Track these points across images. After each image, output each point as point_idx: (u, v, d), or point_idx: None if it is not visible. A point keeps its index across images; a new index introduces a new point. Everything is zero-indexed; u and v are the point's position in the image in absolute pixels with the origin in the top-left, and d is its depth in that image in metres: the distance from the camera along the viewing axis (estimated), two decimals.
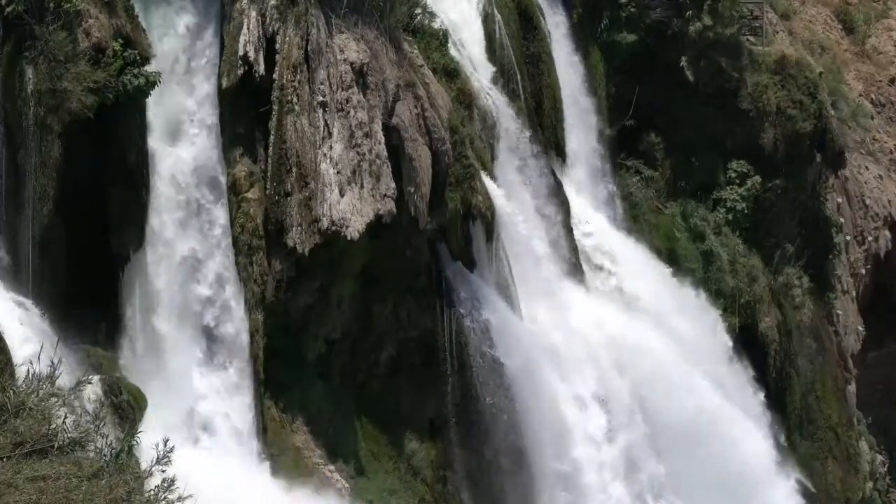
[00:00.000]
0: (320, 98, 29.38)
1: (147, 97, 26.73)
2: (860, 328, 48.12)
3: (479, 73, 35.72)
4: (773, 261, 44.29)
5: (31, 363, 13.81)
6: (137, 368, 27.10)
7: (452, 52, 34.58)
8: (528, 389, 33.13)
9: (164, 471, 12.68)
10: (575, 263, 37.21)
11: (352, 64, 29.92)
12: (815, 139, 44.63)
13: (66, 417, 13.14)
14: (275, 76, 29.14)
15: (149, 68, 26.62)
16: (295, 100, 29.10)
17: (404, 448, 31.91)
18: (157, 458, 12.65)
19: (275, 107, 29.05)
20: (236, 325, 28.75)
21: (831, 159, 45.88)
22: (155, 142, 27.72)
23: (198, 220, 28.68)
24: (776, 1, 48.67)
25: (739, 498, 38.24)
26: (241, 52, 28.74)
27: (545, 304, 35.13)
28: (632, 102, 41.33)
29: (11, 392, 13.02)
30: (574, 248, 37.29)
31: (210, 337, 28.56)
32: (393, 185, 29.99)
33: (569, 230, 37.08)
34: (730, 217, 43.11)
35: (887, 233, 49.73)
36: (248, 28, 28.89)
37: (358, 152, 29.60)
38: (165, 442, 12.85)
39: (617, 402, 35.42)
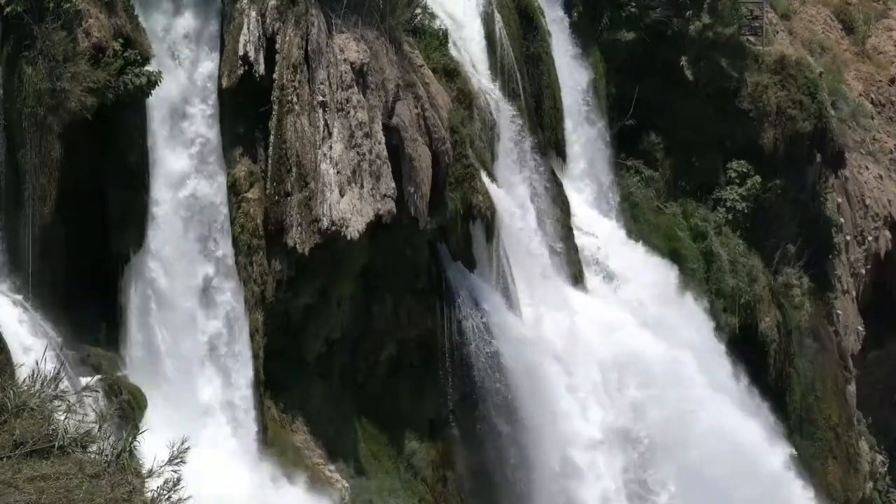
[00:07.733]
0: (320, 98, 29.36)
1: (148, 97, 26.71)
2: (860, 328, 48.12)
3: (479, 73, 35.70)
4: (773, 261, 44.30)
5: (37, 363, 13.80)
6: (137, 368, 27.09)
7: (452, 52, 34.58)
8: (528, 389, 33.12)
9: (175, 470, 12.61)
10: (575, 263, 37.20)
11: (352, 64, 29.90)
12: (815, 139, 44.64)
13: (66, 418, 13.11)
14: (275, 76, 29.12)
15: (149, 68, 26.60)
16: (295, 100, 29.08)
17: (404, 448, 31.91)
18: (171, 457, 12.59)
19: (275, 107, 29.03)
20: (237, 324, 28.72)
21: (831, 159, 45.90)
22: None
23: None
24: (776, 1, 48.68)
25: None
26: (241, 52, 28.71)
27: (545, 304, 35.11)
28: (632, 102, 41.32)
29: (12, 392, 13.00)
30: (574, 248, 37.28)
31: (210, 336, 28.53)
32: (393, 185, 29.98)
33: (569, 230, 37.08)
34: (730, 217, 43.11)
35: (887, 233, 49.75)
36: (248, 28, 28.86)
37: (358, 152, 29.58)
38: (183, 442, 12.76)
39: (618, 401, 35.41)
